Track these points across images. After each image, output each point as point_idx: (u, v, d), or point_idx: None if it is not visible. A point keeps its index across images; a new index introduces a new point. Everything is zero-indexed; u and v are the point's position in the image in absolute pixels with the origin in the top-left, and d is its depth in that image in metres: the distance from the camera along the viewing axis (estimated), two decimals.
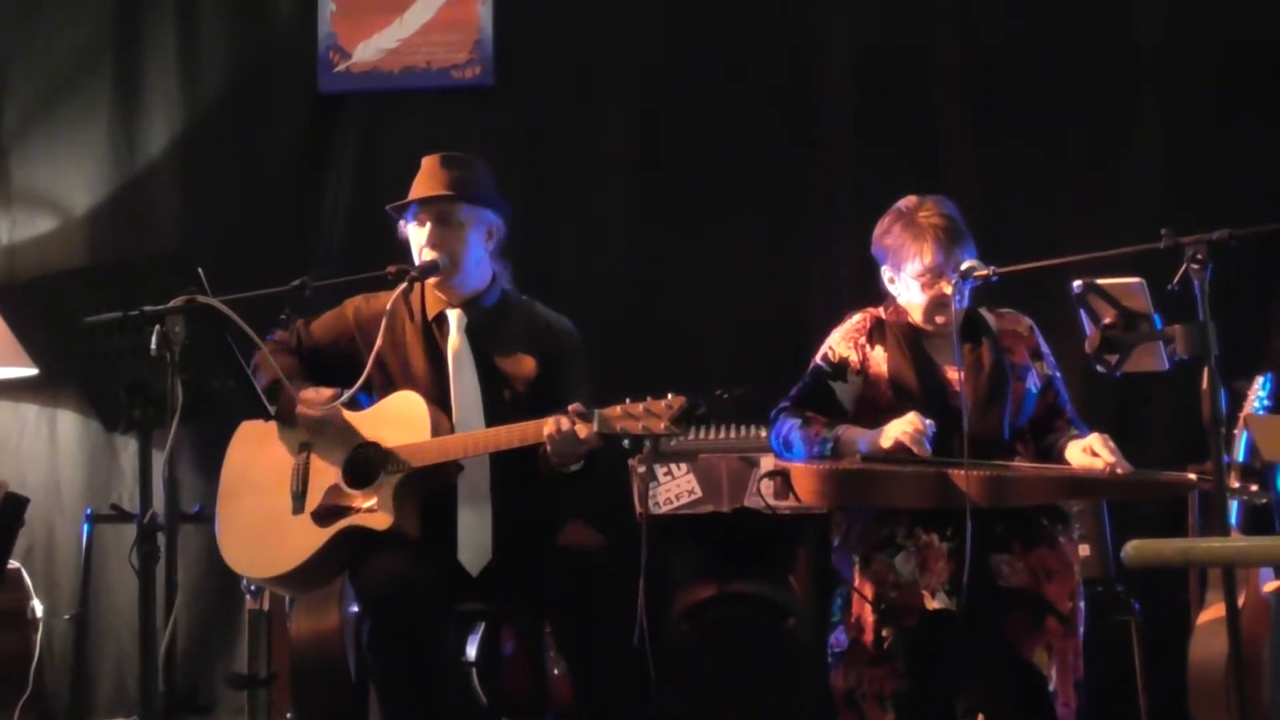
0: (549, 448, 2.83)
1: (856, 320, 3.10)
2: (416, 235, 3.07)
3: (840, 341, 3.08)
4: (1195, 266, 2.57)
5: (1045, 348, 3.12)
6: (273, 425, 3.03)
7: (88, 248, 4.45)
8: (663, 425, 2.74)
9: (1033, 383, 3.05)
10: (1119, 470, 2.81)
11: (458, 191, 3.04)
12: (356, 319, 3.12)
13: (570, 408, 2.80)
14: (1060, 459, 2.95)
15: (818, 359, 3.09)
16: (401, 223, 3.13)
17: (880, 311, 3.10)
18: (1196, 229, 2.60)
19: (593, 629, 2.89)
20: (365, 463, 2.97)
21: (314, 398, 2.99)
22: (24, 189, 4.51)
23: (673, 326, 4.21)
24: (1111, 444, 2.84)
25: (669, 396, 2.76)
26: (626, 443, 2.79)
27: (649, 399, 2.77)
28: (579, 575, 2.90)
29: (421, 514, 2.96)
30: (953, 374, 3.01)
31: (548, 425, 2.81)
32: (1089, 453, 2.85)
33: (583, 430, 2.79)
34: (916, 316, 3.02)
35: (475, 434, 2.94)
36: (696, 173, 4.25)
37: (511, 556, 2.96)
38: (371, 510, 2.91)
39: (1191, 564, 3.08)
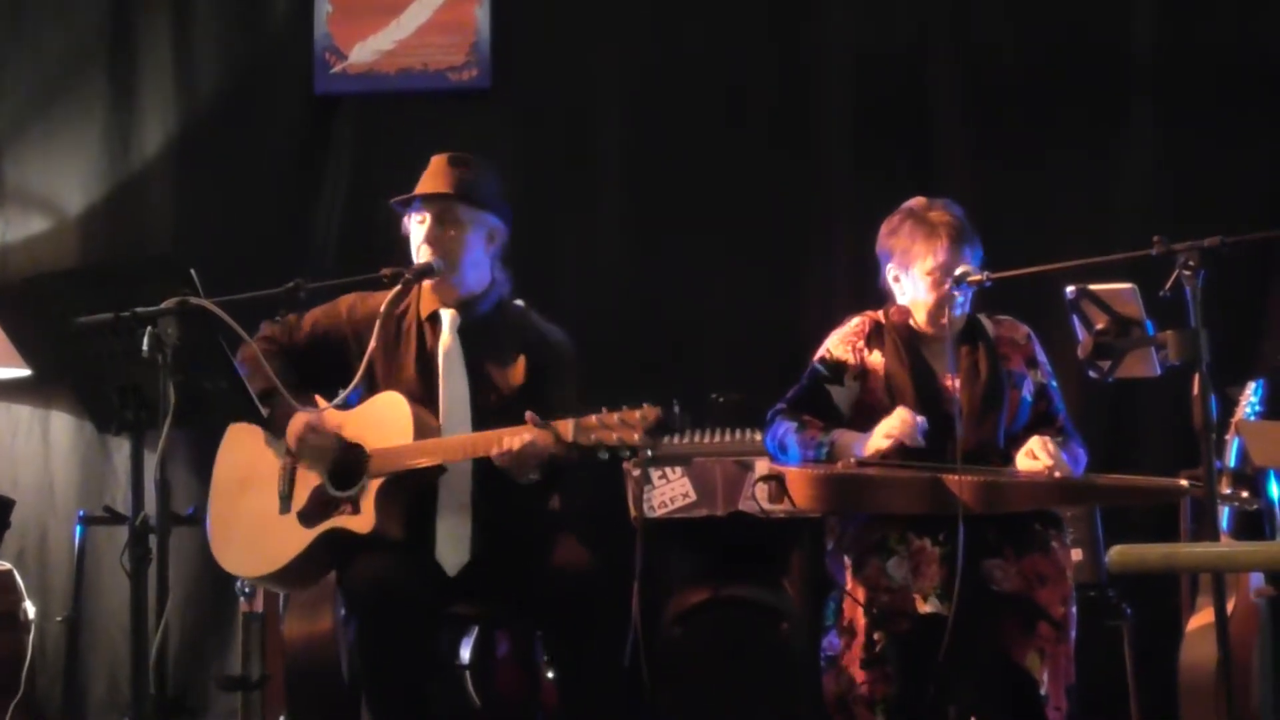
0: (501, 462, 2.84)
1: (855, 323, 3.10)
2: (416, 231, 3.08)
3: (838, 344, 3.08)
4: (1187, 273, 2.58)
5: (1042, 356, 3.12)
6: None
7: (81, 248, 4.44)
8: (637, 437, 2.74)
9: (1027, 390, 3.05)
10: (1057, 474, 2.82)
11: (460, 191, 3.04)
12: (350, 316, 3.11)
13: (527, 416, 2.80)
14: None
15: (815, 361, 3.09)
16: (405, 218, 3.12)
17: (879, 315, 3.09)
18: (1190, 235, 2.61)
19: (584, 646, 2.89)
20: (349, 465, 2.97)
21: (302, 430, 2.97)
22: (17, 189, 4.50)
23: (669, 331, 4.20)
24: (1050, 447, 2.85)
25: (644, 406, 2.76)
26: (605, 455, 2.79)
27: (624, 408, 2.77)
28: (571, 596, 2.88)
29: (407, 516, 2.95)
30: (949, 380, 3.01)
31: (496, 445, 2.83)
32: (1030, 456, 2.86)
33: (542, 440, 2.79)
34: (920, 316, 3.02)
35: (448, 440, 2.94)
36: (693, 177, 4.25)
37: (494, 560, 2.95)
38: (354, 513, 2.91)
39: (1175, 570, 3.09)
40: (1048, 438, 2.89)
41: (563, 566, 2.93)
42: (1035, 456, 2.85)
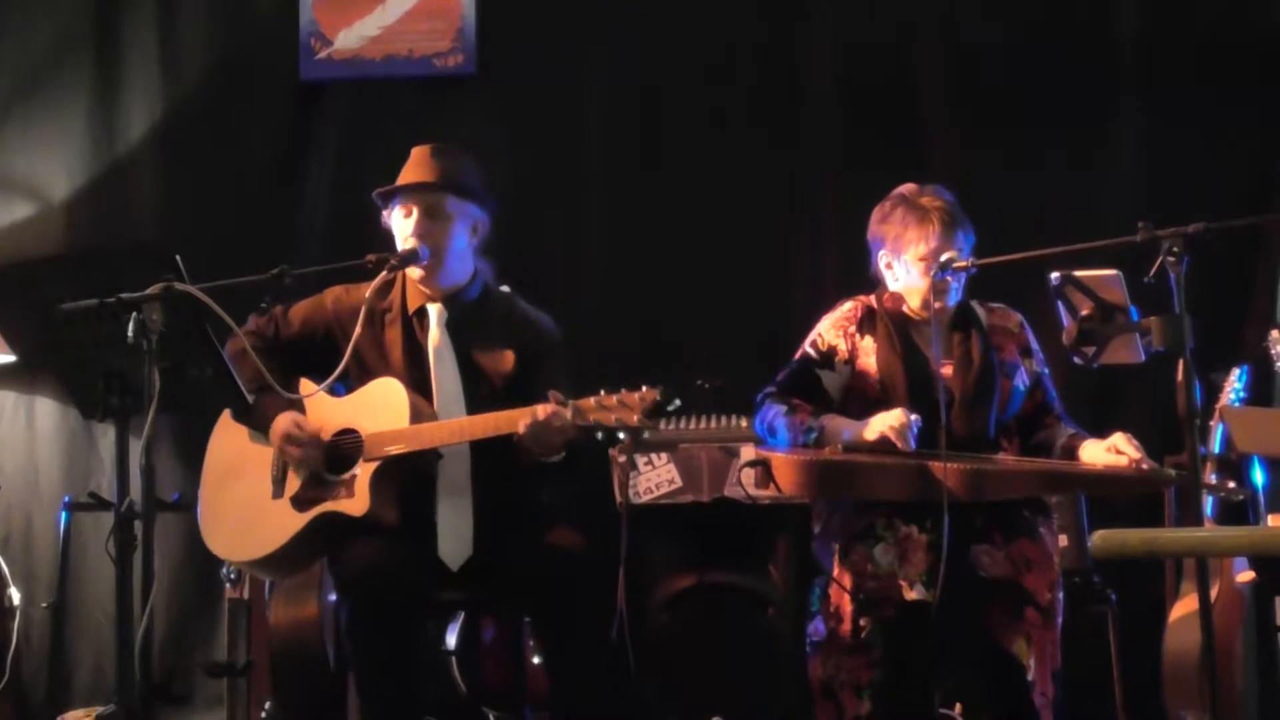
0: (526, 437, 2.82)
1: (847, 308, 3.08)
2: (401, 224, 3.06)
3: (830, 329, 3.06)
4: (1171, 259, 2.59)
5: (1035, 344, 3.11)
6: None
7: (66, 234, 4.42)
8: (636, 418, 2.73)
9: (1021, 380, 3.05)
10: (1144, 466, 2.81)
11: (447, 183, 3.03)
12: (336, 309, 3.10)
13: (550, 394, 2.79)
14: (1066, 459, 2.95)
15: (806, 345, 3.07)
16: (385, 211, 3.11)
17: (872, 300, 3.08)
18: (1176, 223, 2.62)
19: (571, 628, 2.89)
20: (344, 449, 2.97)
21: (289, 428, 2.96)
22: (2, 174, 4.48)
23: (655, 317, 4.21)
24: (1135, 441, 2.85)
25: (643, 389, 2.75)
26: (600, 435, 2.78)
27: (623, 390, 2.76)
28: (559, 577, 2.89)
29: (401, 504, 2.95)
30: (941, 367, 3.00)
31: (525, 415, 2.81)
32: (1113, 451, 2.85)
33: (561, 417, 2.78)
34: (914, 302, 3.01)
35: (450, 422, 2.93)
36: (680, 164, 4.25)
37: (492, 551, 2.95)
38: (348, 496, 2.91)
39: (1156, 555, 3.10)
40: (1129, 434, 2.87)
41: (552, 547, 2.94)
42: (1120, 451, 2.83)
